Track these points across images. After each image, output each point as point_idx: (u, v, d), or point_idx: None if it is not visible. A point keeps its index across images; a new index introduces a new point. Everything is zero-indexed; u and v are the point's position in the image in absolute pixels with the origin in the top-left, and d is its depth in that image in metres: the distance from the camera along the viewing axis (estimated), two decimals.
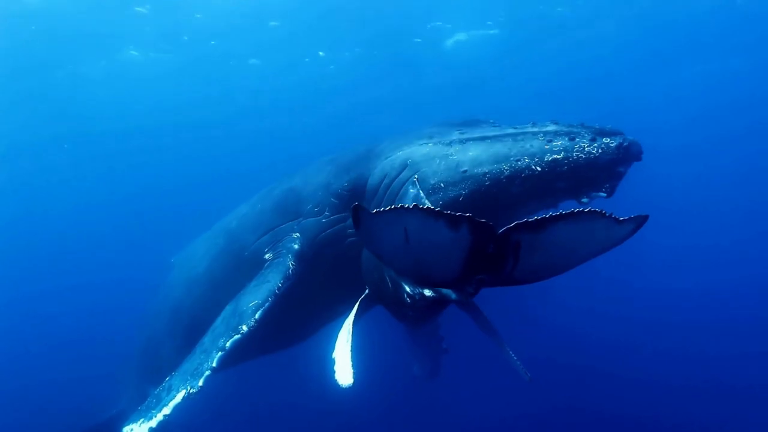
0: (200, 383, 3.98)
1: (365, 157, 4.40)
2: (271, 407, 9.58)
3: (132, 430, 3.87)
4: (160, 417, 3.85)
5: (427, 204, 3.14)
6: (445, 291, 3.01)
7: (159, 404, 3.92)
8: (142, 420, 3.87)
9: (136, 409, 6.82)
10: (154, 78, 18.69)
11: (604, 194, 3.51)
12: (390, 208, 2.38)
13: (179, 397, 3.93)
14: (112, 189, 22.90)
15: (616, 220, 2.38)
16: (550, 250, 2.49)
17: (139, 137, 22.85)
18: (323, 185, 4.55)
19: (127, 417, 6.96)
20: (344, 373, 3.13)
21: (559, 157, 3.43)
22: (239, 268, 4.95)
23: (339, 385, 3.11)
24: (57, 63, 16.98)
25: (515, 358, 3.44)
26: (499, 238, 2.44)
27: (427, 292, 3.09)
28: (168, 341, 5.97)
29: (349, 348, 3.28)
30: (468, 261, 2.60)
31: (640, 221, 2.45)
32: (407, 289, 3.30)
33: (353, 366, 3.16)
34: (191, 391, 3.95)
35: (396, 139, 4.35)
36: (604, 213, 2.32)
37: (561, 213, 2.29)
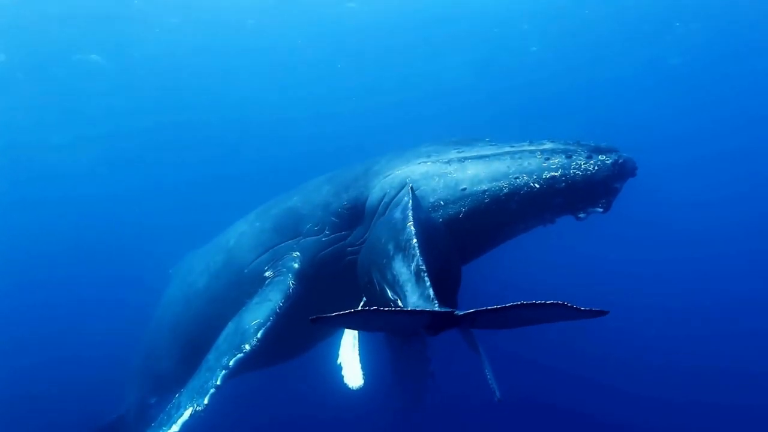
0: (206, 401, 4.05)
1: (363, 176, 4.47)
2: (274, 413, 9.61)
3: None
4: None
5: (411, 218, 3.22)
6: None
7: (169, 421, 4.00)
8: None
9: (135, 416, 6.92)
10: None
11: (601, 209, 3.62)
12: (350, 313, 2.49)
13: (187, 414, 4.01)
14: (109, 193, 22.63)
15: (577, 310, 2.40)
16: (508, 323, 2.63)
17: (135, 137, 22.77)
18: (322, 204, 4.60)
19: (125, 423, 7.02)
20: (354, 376, 3.20)
21: (556, 174, 3.54)
22: (239, 286, 4.99)
23: (348, 388, 3.18)
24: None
25: (490, 375, 3.48)
26: (457, 319, 2.56)
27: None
28: (167, 354, 6.01)
29: (357, 352, 3.35)
30: (428, 329, 2.72)
31: (598, 314, 2.45)
32: (389, 294, 3.34)
33: (362, 368, 3.23)
34: (197, 408, 4.03)
35: (393, 158, 4.43)
36: (566, 304, 2.35)
37: (522, 303, 2.35)
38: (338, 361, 3.47)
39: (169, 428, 3.95)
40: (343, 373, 3.31)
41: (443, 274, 3.18)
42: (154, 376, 6.53)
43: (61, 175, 22.54)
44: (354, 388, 3.19)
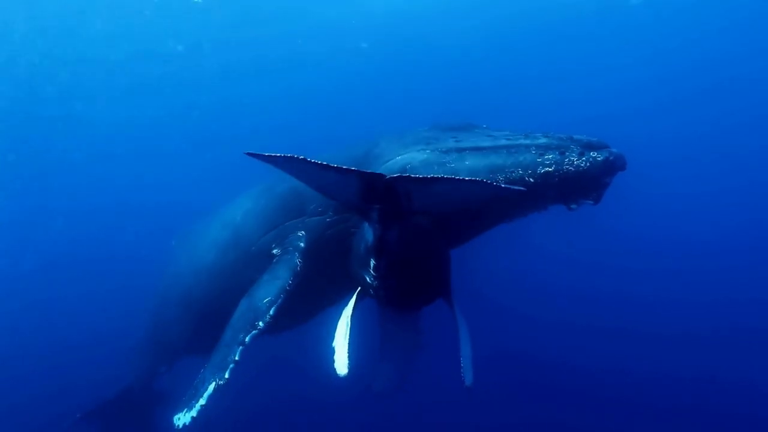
0: (226, 375, 4.41)
1: (365, 160, 4.60)
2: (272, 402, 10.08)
3: (179, 419, 4.31)
4: (198, 407, 4.30)
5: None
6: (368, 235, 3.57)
7: (197, 395, 4.37)
8: (186, 410, 4.33)
9: (143, 385, 7.29)
10: None
11: (592, 202, 3.84)
12: (280, 156, 2.89)
13: (211, 388, 4.37)
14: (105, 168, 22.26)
15: (495, 186, 2.88)
16: (439, 197, 3.06)
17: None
18: None
19: (132, 393, 7.41)
20: (341, 364, 3.50)
21: (550, 170, 3.72)
22: (247, 261, 5.25)
23: (336, 374, 3.49)
24: None
25: (465, 360, 3.73)
26: (386, 185, 3.01)
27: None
28: (178, 326, 6.35)
29: (347, 340, 3.64)
30: (363, 196, 3.18)
31: (513, 191, 2.96)
32: (368, 279, 3.79)
33: (349, 358, 3.51)
34: (219, 382, 4.38)
35: (393, 142, 4.54)
36: (485, 181, 2.81)
37: (443, 176, 2.85)
38: (333, 344, 3.72)
39: (197, 402, 4.34)
40: (334, 358, 3.57)
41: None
42: (164, 347, 6.90)
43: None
44: (340, 376, 3.45)
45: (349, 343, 3.58)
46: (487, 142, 4.06)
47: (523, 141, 3.94)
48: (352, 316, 3.84)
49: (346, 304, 4.01)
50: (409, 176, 2.89)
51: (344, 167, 2.91)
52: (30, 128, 21.49)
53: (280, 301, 4.61)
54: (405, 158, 4.31)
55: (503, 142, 3.99)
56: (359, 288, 4.09)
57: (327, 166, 2.84)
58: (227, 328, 4.80)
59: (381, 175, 2.97)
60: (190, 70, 22.16)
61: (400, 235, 3.43)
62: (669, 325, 12.66)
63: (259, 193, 5.52)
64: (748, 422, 10.73)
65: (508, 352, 10.22)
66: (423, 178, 2.86)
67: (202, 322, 5.85)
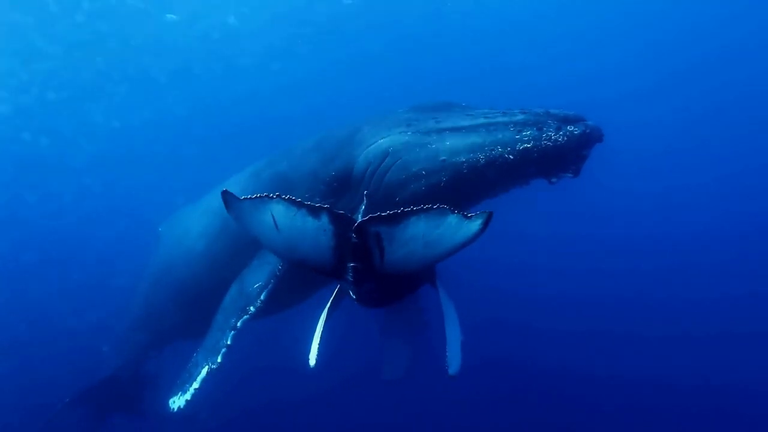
0: (219, 359, 4.49)
1: (348, 144, 4.64)
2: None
3: (174, 402, 4.42)
4: (191, 390, 4.41)
5: None
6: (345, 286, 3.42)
7: (191, 379, 4.46)
8: (180, 393, 4.43)
9: (130, 371, 7.34)
10: None
11: (571, 175, 3.90)
12: (255, 196, 2.78)
13: (204, 372, 4.46)
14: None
15: (465, 215, 2.75)
16: (410, 242, 2.88)
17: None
18: (311, 173, 4.79)
19: (119, 380, 7.45)
20: (312, 355, 3.50)
21: (529, 146, 3.78)
22: (238, 248, 5.29)
23: (307, 363, 3.51)
24: None
25: (451, 348, 3.75)
26: (359, 228, 2.84)
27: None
28: (172, 313, 6.39)
29: (320, 333, 3.67)
30: (336, 249, 3.01)
31: (486, 217, 2.77)
32: (352, 295, 3.64)
33: (319, 351, 3.51)
34: (212, 366, 4.46)
35: (375, 125, 4.58)
36: (453, 210, 2.72)
37: (413, 208, 2.70)
38: (314, 334, 3.76)
39: (191, 386, 4.43)
40: (311, 347, 3.60)
41: None
42: (157, 332, 6.94)
43: None
44: (310, 366, 3.44)
45: (321, 336, 3.61)
46: (466, 122, 4.10)
47: (501, 119, 3.99)
48: (330, 308, 3.88)
49: (332, 294, 4.05)
50: (379, 215, 2.76)
51: (317, 204, 2.86)
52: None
53: (270, 286, 4.68)
54: (387, 141, 4.36)
55: (482, 120, 4.04)
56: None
57: (300, 201, 2.80)
58: (218, 312, 4.87)
59: (349, 218, 2.89)
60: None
61: (377, 284, 3.36)
62: (661, 326, 12.77)
63: (247, 178, 5.54)
64: (742, 423, 10.84)
65: (499, 358, 10.26)
66: (392, 214, 2.73)
67: (196, 309, 5.92)
